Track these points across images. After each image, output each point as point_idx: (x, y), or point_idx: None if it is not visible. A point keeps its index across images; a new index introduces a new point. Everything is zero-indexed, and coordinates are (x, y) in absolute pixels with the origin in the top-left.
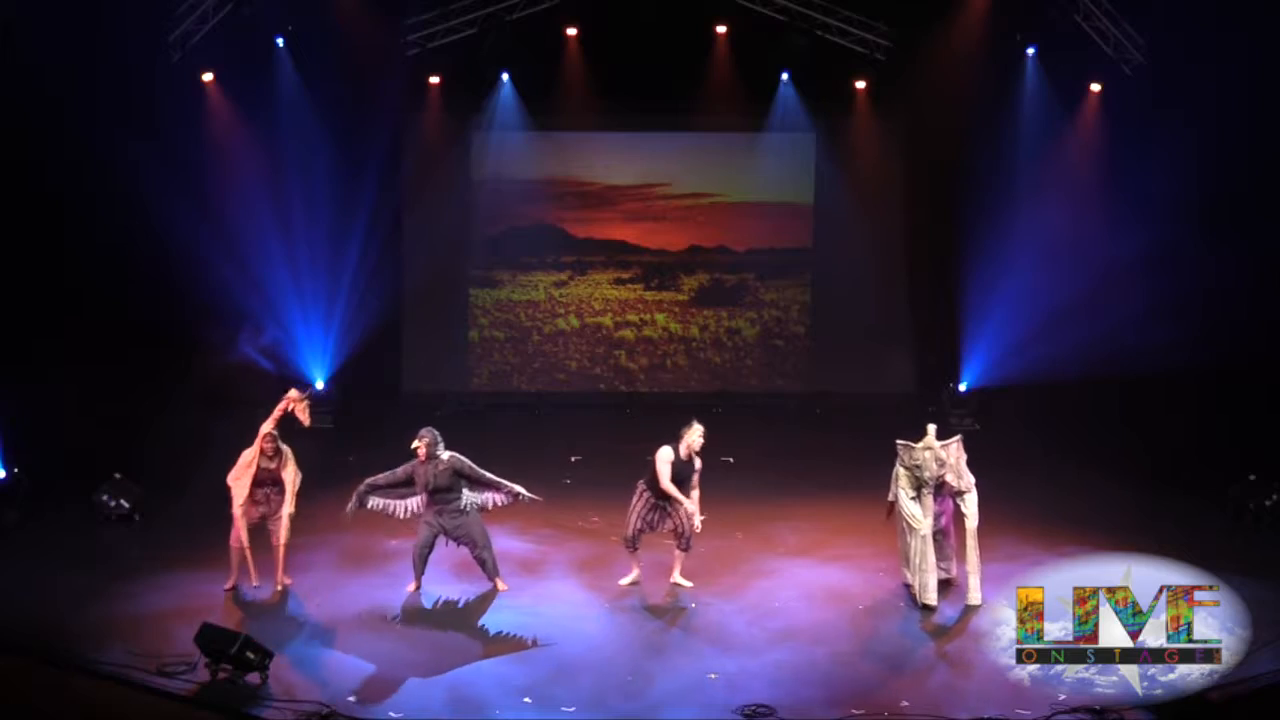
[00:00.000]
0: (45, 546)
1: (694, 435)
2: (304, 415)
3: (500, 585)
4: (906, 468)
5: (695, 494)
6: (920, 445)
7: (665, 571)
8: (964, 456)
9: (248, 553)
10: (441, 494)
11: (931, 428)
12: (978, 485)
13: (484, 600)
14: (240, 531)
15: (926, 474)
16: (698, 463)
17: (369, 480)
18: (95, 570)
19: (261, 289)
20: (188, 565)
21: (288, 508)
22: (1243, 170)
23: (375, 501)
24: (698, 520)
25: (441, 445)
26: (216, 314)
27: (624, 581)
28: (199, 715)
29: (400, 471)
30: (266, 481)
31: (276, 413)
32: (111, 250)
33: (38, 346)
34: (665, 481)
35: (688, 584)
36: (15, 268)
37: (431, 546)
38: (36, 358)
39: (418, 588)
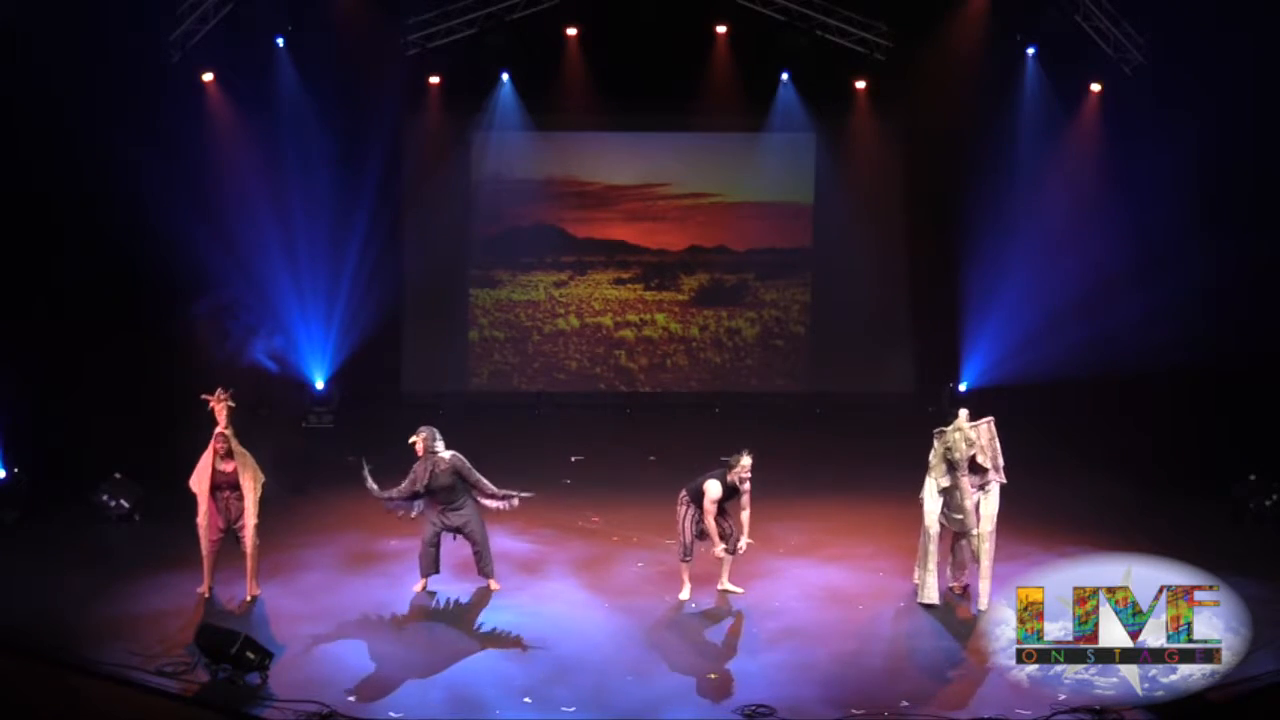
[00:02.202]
0: (45, 546)
1: (742, 466)
2: (220, 418)
3: (493, 585)
4: (941, 453)
5: (746, 514)
6: (951, 428)
7: (667, 574)
8: (996, 438)
9: (204, 560)
10: (443, 493)
11: (964, 411)
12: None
13: (484, 600)
14: (201, 538)
15: (956, 454)
16: (746, 485)
17: (384, 496)
18: (95, 570)
19: (261, 289)
20: (188, 565)
21: (251, 518)
22: (1242, 170)
23: (394, 506)
24: (743, 543)
25: (441, 443)
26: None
27: (683, 596)
28: (199, 715)
29: (406, 485)
30: (224, 485)
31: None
32: (111, 250)
33: (37, 346)
34: (709, 520)
35: (738, 590)
36: (15, 267)
37: (438, 544)
38: (36, 357)
39: (424, 587)
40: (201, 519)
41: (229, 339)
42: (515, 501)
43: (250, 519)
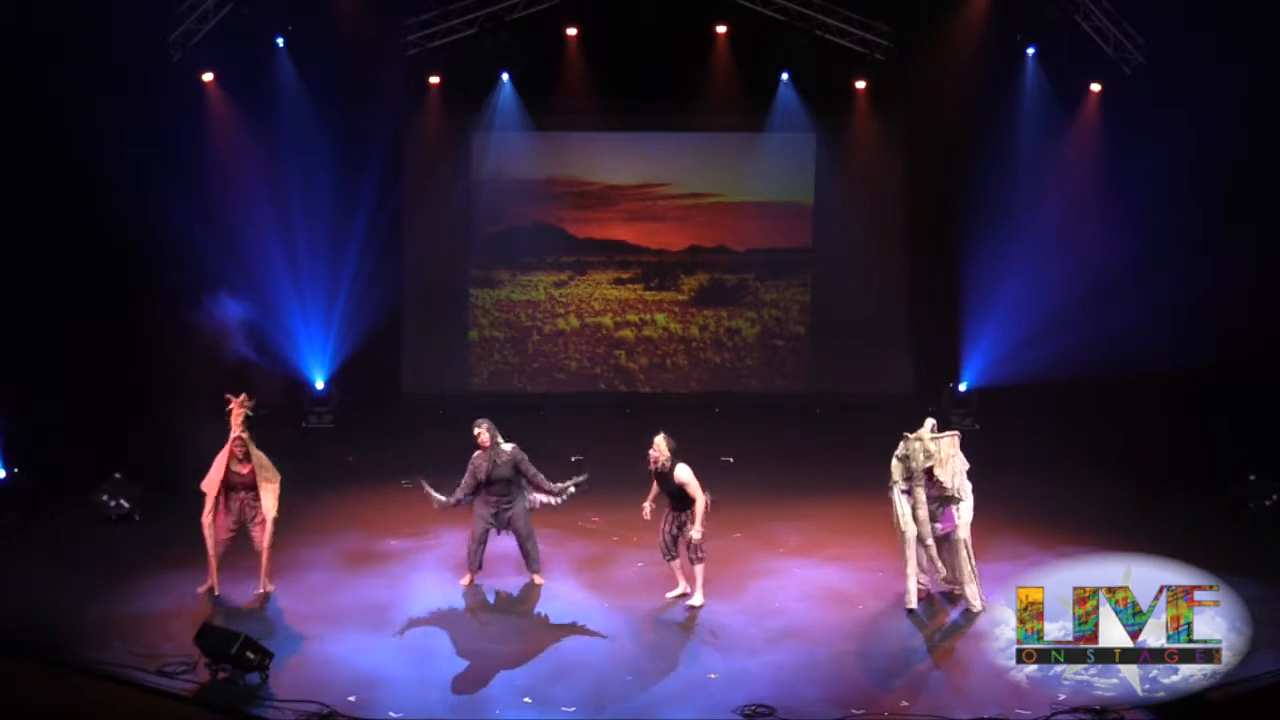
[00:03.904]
0: (45, 546)
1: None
2: (233, 422)
3: (538, 579)
4: (900, 458)
5: (697, 506)
6: (914, 435)
7: (667, 574)
8: (959, 457)
9: (211, 559)
10: (500, 485)
11: (930, 421)
12: (976, 488)
13: (484, 600)
14: (206, 537)
15: (914, 464)
16: (679, 476)
17: (451, 501)
18: (95, 570)
19: (262, 289)
20: (188, 565)
21: (271, 512)
22: (1242, 170)
23: (458, 505)
24: (692, 531)
25: (499, 435)
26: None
27: (670, 595)
28: (199, 715)
29: (467, 480)
30: (240, 486)
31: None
32: (111, 250)
33: (37, 346)
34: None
35: (685, 594)
36: (15, 268)
37: (485, 541)
38: (36, 357)
39: (471, 581)
40: (206, 517)
41: (211, 328)
42: (571, 490)
43: (270, 513)
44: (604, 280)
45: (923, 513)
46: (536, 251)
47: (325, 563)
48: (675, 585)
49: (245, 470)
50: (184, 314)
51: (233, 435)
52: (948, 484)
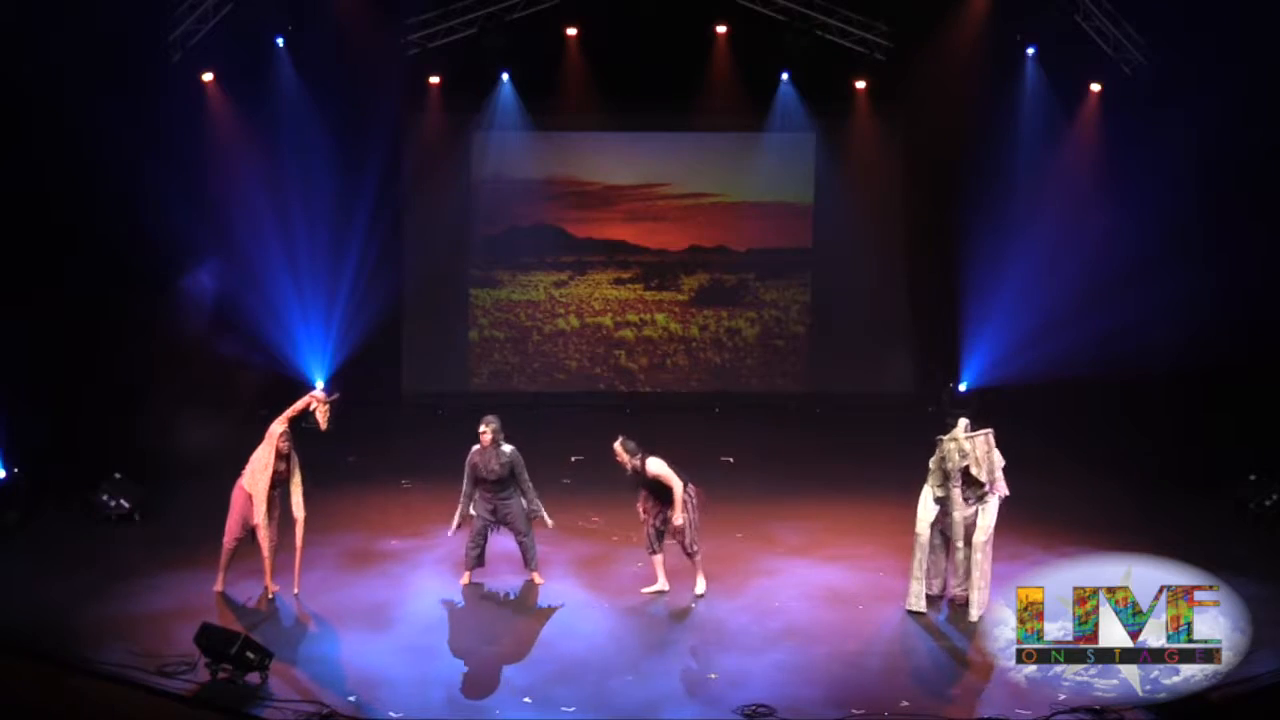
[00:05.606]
0: (45, 546)
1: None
2: (323, 419)
3: (537, 579)
4: (936, 461)
5: (675, 495)
6: (948, 437)
7: (667, 574)
8: (995, 452)
9: (268, 562)
10: (496, 484)
11: (963, 420)
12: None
13: (483, 600)
14: (261, 540)
15: (949, 465)
16: (651, 470)
17: (464, 497)
18: (95, 570)
19: (262, 289)
20: (188, 565)
21: (300, 512)
22: (1242, 170)
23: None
24: (675, 519)
25: (502, 436)
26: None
27: (645, 590)
28: (199, 715)
29: (467, 484)
30: (275, 484)
31: (291, 411)
32: (111, 250)
33: (37, 346)
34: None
35: (662, 591)
36: (14, 267)
37: (485, 537)
38: (36, 357)
39: (470, 579)
40: (260, 520)
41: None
42: (542, 514)
43: (300, 511)
44: (604, 280)
45: (959, 514)
46: (536, 251)
47: (325, 563)
48: (654, 581)
49: (283, 468)
50: (174, 308)
51: (281, 430)
52: (981, 480)
